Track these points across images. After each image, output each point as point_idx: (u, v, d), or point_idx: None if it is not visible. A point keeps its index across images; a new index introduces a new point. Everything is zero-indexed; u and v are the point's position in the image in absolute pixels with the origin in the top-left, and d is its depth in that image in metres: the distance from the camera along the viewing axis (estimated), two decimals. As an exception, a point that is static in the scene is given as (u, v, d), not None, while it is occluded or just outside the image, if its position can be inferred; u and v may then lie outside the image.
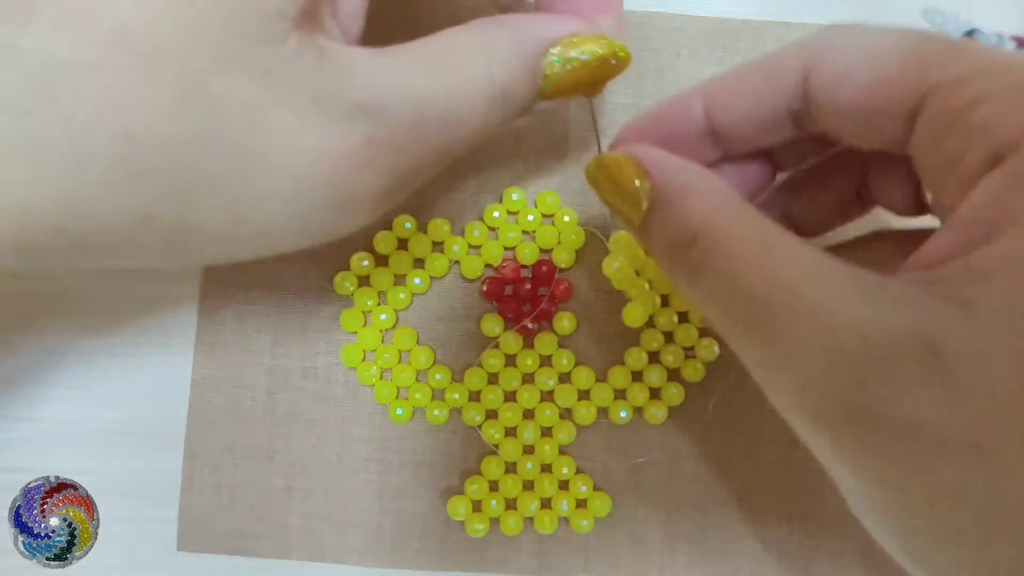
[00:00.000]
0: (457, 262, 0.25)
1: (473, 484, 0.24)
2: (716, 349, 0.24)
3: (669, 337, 0.25)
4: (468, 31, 0.17)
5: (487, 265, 0.25)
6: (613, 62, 0.18)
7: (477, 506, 0.25)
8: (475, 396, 0.25)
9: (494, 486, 0.25)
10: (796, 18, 0.25)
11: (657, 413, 0.25)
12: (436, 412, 0.25)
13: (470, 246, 0.25)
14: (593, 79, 0.18)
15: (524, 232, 0.25)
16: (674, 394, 0.25)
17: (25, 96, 0.12)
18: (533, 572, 0.25)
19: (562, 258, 0.25)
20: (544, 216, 0.25)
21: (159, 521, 0.25)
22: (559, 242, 0.25)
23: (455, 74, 0.16)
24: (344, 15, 0.17)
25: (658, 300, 0.24)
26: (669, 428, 0.25)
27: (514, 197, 0.25)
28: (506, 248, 0.25)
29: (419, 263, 0.25)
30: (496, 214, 0.25)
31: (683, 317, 0.25)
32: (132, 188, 0.13)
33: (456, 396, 0.24)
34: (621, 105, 0.25)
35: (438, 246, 0.25)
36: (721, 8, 0.26)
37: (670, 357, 0.24)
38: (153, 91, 0.13)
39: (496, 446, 0.25)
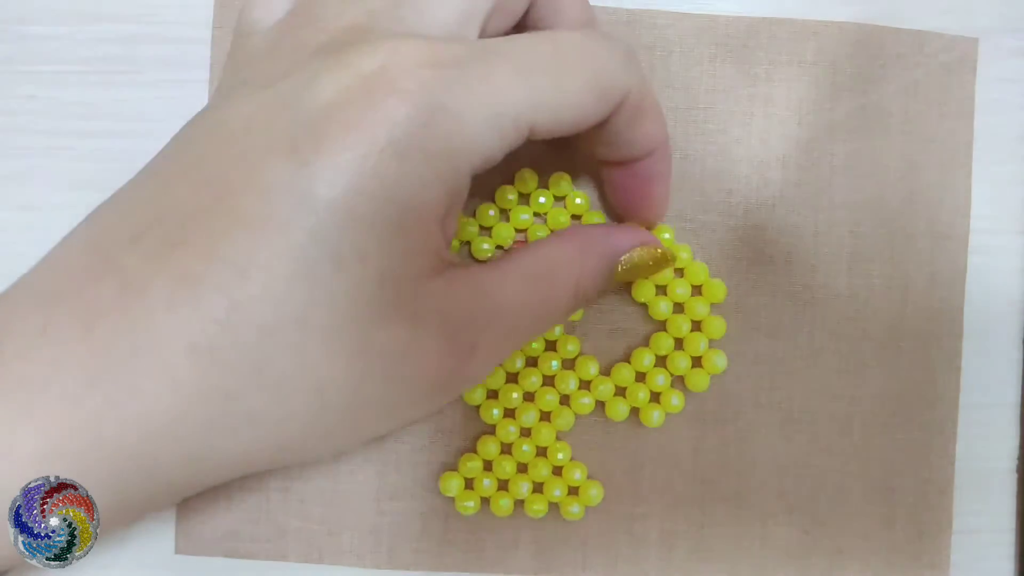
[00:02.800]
0: (467, 243, 0.25)
1: (467, 462, 0.24)
2: (724, 363, 0.24)
3: (679, 344, 0.25)
4: (561, 246, 0.20)
5: (498, 247, 0.25)
6: (670, 260, 0.22)
7: (469, 484, 0.24)
8: None
9: (488, 466, 0.25)
10: (787, 14, 0.25)
11: (654, 416, 0.24)
12: None
13: (481, 227, 0.25)
14: (650, 274, 0.22)
15: (536, 215, 0.25)
16: (674, 404, 0.24)
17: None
18: (531, 572, 0.25)
19: None
20: (556, 199, 0.25)
21: (158, 523, 0.25)
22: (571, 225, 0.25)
23: (550, 287, 0.19)
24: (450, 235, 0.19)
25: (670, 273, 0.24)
26: (668, 426, 0.25)
27: (527, 178, 0.25)
28: (517, 230, 0.25)
29: None
30: (509, 196, 0.25)
31: (696, 326, 0.25)
32: (316, 430, 0.17)
33: None
34: (614, 104, 0.25)
35: None
36: (713, 5, 0.26)
37: (677, 363, 0.24)
38: (331, 351, 0.16)
39: (494, 426, 0.25)
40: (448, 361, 0.18)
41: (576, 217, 0.25)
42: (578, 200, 0.25)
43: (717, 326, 0.24)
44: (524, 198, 0.25)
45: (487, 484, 0.24)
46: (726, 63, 0.25)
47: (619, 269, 0.21)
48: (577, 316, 0.25)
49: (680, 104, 0.25)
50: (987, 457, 0.26)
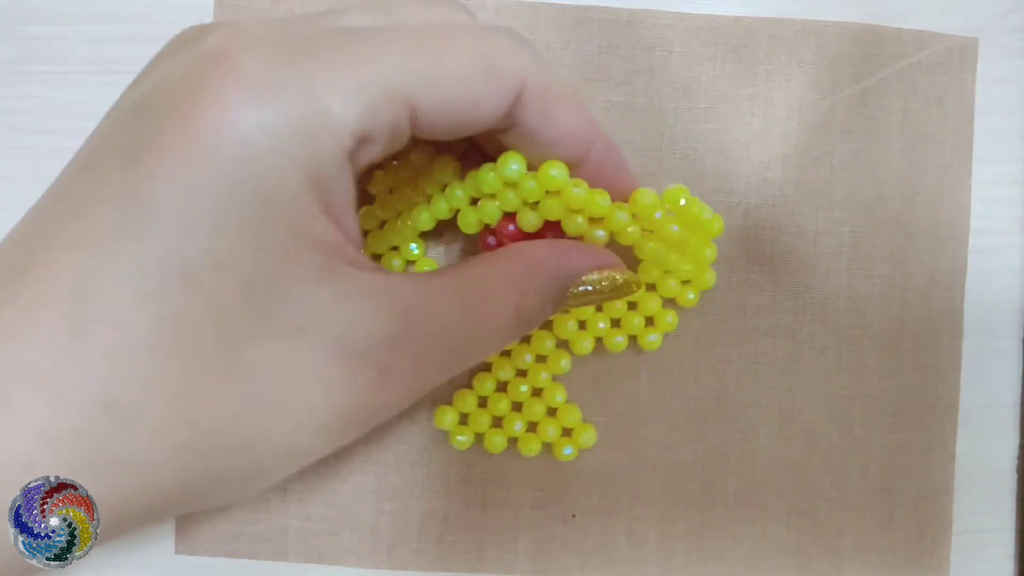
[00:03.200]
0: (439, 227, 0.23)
1: (463, 397, 0.24)
2: (713, 279, 0.24)
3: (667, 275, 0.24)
4: (502, 263, 0.18)
5: (486, 228, 0.22)
6: (633, 287, 0.20)
7: (464, 419, 0.24)
8: None
9: (483, 403, 0.24)
10: (788, 14, 0.25)
11: (651, 339, 0.24)
12: None
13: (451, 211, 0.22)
14: (609, 299, 0.20)
15: (525, 204, 0.21)
16: (669, 322, 0.24)
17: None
18: (531, 572, 0.25)
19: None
20: (548, 193, 0.21)
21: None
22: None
23: (485, 307, 0.17)
24: (355, 235, 0.17)
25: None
26: (668, 426, 0.25)
27: (513, 167, 0.19)
28: (506, 213, 0.21)
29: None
30: (491, 175, 0.20)
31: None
32: (200, 463, 0.15)
33: None
34: (614, 103, 0.25)
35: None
36: (714, 5, 0.26)
37: (667, 285, 0.24)
38: (202, 374, 0.15)
39: (490, 364, 0.24)
40: (347, 386, 0.15)
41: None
42: (553, 172, 0.19)
43: (705, 251, 0.23)
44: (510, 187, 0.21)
45: (482, 423, 0.24)
46: (726, 63, 0.25)
47: (575, 294, 0.19)
48: None
49: (680, 104, 0.25)
50: (987, 457, 0.26)
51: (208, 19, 0.25)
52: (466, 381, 0.25)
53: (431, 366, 0.17)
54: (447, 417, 0.24)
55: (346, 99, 0.15)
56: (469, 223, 0.21)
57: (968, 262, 0.26)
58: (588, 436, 0.24)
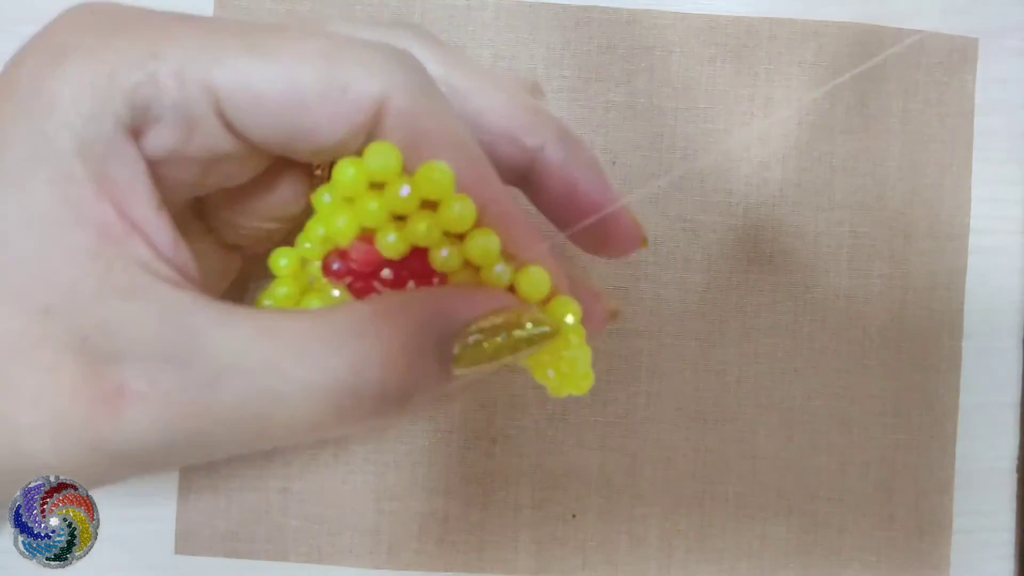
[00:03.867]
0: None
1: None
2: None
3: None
4: (350, 305, 0.14)
5: (335, 252, 0.16)
6: (540, 343, 0.15)
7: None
8: None
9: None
10: (787, 14, 0.25)
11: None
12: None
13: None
14: (517, 355, 0.15)
15: (396, 217, 0.15)
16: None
17: None
18: (531, 572, 0.25)
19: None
20: (422, 205, 0.15)
21: (158, 523, 0.25)
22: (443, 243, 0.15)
23: (300, 356, 0.13)
24: (161, 242, 0.15)
25: None
26: (668, 426, 0.25)
27: (379, 160, 0.15)
28: (364, 230, 0.15)
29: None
30: (350, 172, 0.15)
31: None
32: None
33: None
34: (614, 103, 0.25)
35: None
36: (713, 5, 0.26)
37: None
38: None
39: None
40: (77, 395, 0.13)
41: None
42: (457, 207, 0.15)
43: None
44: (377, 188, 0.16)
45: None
46: (726, 63, 0.25)
47: (458, 351, 0.14)
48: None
49: (680, 104, 0.25)
50: (987, 457, 0.26)
51: (208, 19, 0.25)
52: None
53: (198, 414, 0.13)
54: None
55: (129, 68, 0.14)
56: (311, 236, 0.16)
57: (968, 262, 0.26)
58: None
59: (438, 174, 0.14)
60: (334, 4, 0.25)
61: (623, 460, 0.25)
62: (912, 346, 0.26)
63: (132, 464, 0.14)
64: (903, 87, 0.26)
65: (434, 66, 0.16)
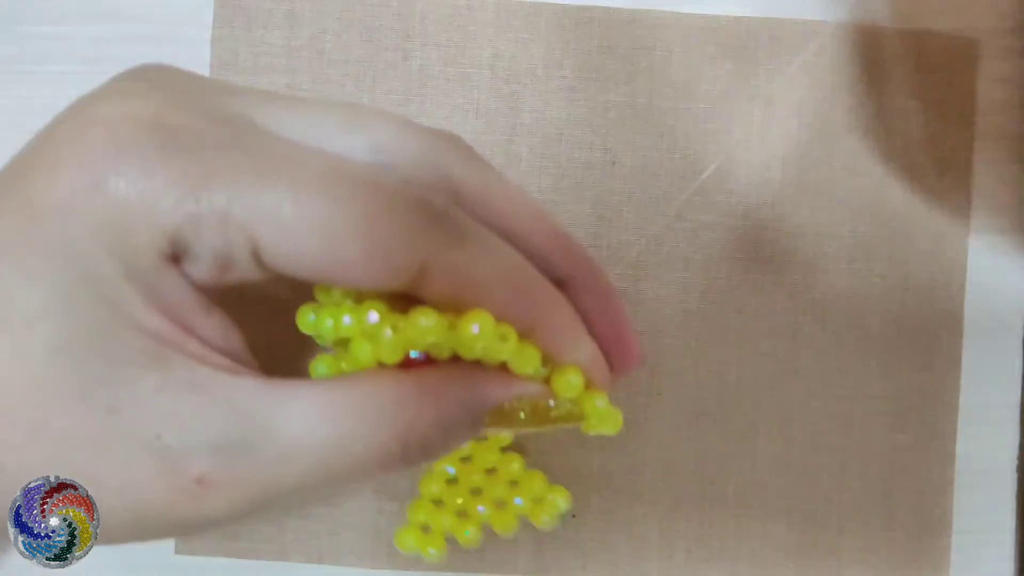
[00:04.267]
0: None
1: (416, 509, 0.23)
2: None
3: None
4: (394, 379, 0.15)
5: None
6: (567, 425, 0.17)
7: (427, 529, 0.23)
8: None
9: (439, 503, 0.23)
10: (787, 14, 0.25)
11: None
12: None
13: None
14: (536, 426, 0.17)
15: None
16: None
17: None
18: (532, 572, 0.25)
19: None
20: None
21: (158, 522, 0.25)
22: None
23: (359, 430, 0.15)
24: (213, 336, 0.16)
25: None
26: (668, 427, 0.25)
27: (372, 319, 0.16)
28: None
29: None
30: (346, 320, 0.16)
31: None
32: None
33: None
34: (614, 103, 0.25)
35: None
36: (713, 5, 0.26)
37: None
38: (9, 431, 0.14)
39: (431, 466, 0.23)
40: (156, 487, 0.14)
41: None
42: (474, 328, 0.15)
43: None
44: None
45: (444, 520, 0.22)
46: (726, 63, 0.25)
47: (489, 419, 0.16)
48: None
49: (680, 104, 0.25)
50: (987, 457, 0.26)
51: (208, 18, 0.25)
52: (409, 486, 0.24)
53: (270, 487, 0.15)
54: (409, 539, 0.23)
55: (174, 207, 0.14)
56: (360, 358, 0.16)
57: (968, 262, 0.26)
58: (561, 500, 0.23)
59: (475, 326, 0.15)
60: (334, 1, 0.25)
61: (623, 460, 0.25)
62: (912, 346, 0.26)
63: (208, 530, 0.17)
64: (903, 87, 0.26)
65: (471, 187, 0.17)
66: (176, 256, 0.15)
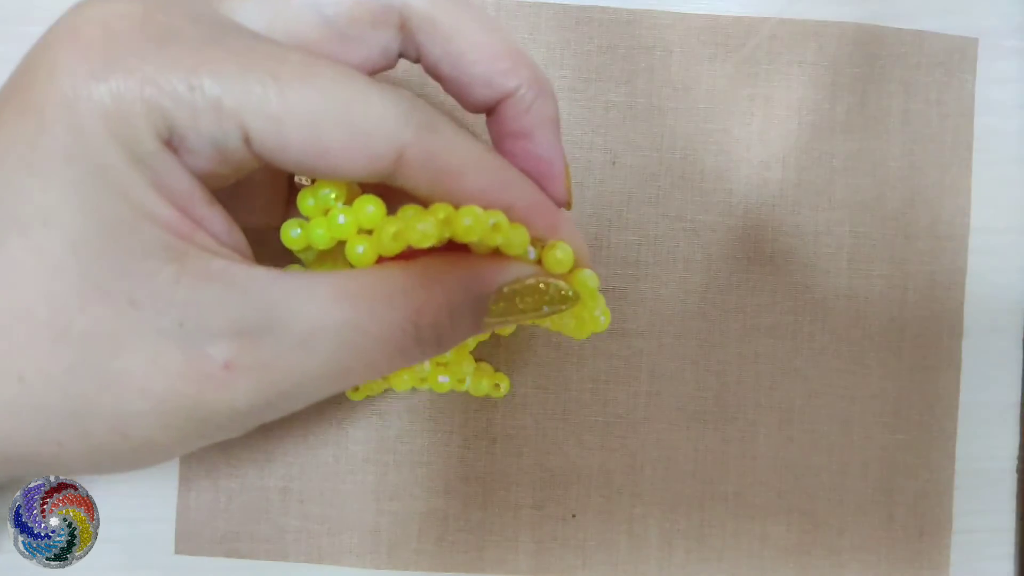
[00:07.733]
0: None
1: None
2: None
3: None
4: (400, 269, 0.16)
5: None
6: (567, 298, 0.17)
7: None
8: None
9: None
10: (787, 14, 0.25)
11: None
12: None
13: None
14: (538, 314, 0.17)
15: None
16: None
17: None
18: (531, 572, 0.25)
19: None
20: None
21: (158, 523, 0.25)
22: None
23: (371, 317, 0.15)
24: (220, 231, 0.16)
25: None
26: (668, 426, 0.25)
27: (369, 209, 0.17)
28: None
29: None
30: (341, 219, 0.17)
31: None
32: (33, 420, 0.15)
33: None
34: (614, 103, 0.25)
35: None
36: (713, 5, 0.26)
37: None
38: (30, 336, 0.14)
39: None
40: (184, 377, 0.15)
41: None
42: (466, 220, 0.16)
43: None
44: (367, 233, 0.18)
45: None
46: (726, 63, 0.25)
47: (492, 306, 0.17)
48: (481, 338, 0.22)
49: (680, 104, 0.25)
50: (987, 457, 0.26)
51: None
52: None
53: (294, 373, 0.15)
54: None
55: (170, 94, 0.14)
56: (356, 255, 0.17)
57: (968, 262, 0.26)
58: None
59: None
60: None
61: (623, 460, 0.25)
62: (912, 346, 0.26)
63: (234, 427, 0.16)
64: (903, 87, 0.26)
65: (421, 3, 0.17)
66: (174, 147, 0.15)
